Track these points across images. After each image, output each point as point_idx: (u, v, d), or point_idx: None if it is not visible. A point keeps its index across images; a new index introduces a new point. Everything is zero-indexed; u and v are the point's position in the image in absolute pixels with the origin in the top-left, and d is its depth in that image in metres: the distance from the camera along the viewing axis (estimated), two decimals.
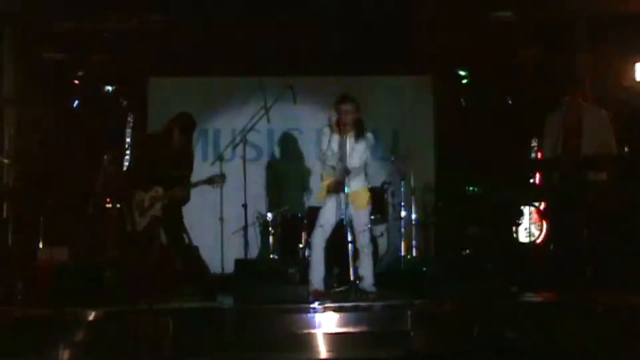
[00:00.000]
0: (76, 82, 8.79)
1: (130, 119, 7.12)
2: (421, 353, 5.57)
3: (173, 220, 6.91)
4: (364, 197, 6.70)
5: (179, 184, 6.85)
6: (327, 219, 6.68)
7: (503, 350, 5.47)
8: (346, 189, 6.29)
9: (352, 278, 6.31)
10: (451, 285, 6.05)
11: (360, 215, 6.63)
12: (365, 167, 6.66)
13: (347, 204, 6.27)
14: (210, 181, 6.87)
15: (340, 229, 6.44)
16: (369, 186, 6.85)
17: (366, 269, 6.67)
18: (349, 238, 6.28)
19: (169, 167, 6.83)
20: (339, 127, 6.54)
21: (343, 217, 6.36)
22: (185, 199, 6.95)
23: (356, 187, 6.58)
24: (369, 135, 6.68)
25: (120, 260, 6.76)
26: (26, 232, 7.57)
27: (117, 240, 7.29)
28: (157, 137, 7.14)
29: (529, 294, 6.09)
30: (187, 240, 6.96)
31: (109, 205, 7.69)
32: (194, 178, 7.06)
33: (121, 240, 7.08)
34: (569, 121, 6.69)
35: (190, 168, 7.11)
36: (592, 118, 6.70)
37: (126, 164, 7.31)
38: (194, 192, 7.34)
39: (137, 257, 6.67)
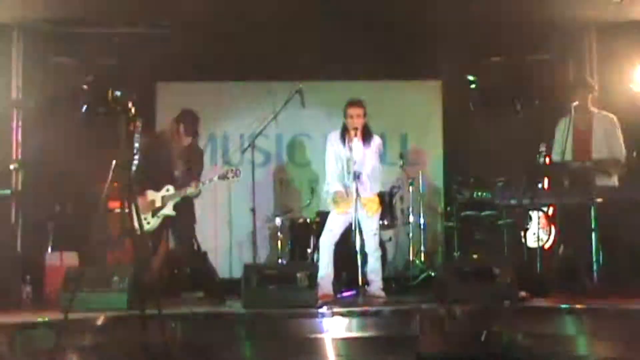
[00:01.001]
0: (84, 86, 8.79)
1: (138, 123, 7.10)
2: (430, 358, 5.56)
3: (185, 219, 6.89)
4: (374, 202, 6.70)
5: (190, 181, 6.83)
6: (337, 223, 6.68)
7: (511, 356, 5.46)
8: (355, 194, 6.29)
9: (360, 282, 6.30)
10: (460, 290, 6.02)
11: (370, 220, 6.63)
12: (374, 172, 6.65)
13: (356, 209, 6.25)
14: (224, 177, 6.89)
15: (349, 233, 6.43)
16: (378, 191, 6.85)
17: (375, 274, 6.67)
18: (358, 242, 6.27)
19: (179, 165, 6.86)
20: (348, 131, 6.54)
21: (352, 221, 6.35)
22: (197, 195, 6.92)
23: (366, 193, 6.57)
24: (378, 139, 6.67)
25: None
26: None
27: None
28: (164, 136, 7.16)
29: (538, 299, 6.05)
30: (196, 245, 6.96)
31: (118, 210, 7.68)
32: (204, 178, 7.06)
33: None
34: (578, 126, 6.67)
35: (200, 164, 7.12)
36: (601, 123, 6.67)
37: (134, 168, 7.29)
38: (203, 197, 7.34)
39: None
